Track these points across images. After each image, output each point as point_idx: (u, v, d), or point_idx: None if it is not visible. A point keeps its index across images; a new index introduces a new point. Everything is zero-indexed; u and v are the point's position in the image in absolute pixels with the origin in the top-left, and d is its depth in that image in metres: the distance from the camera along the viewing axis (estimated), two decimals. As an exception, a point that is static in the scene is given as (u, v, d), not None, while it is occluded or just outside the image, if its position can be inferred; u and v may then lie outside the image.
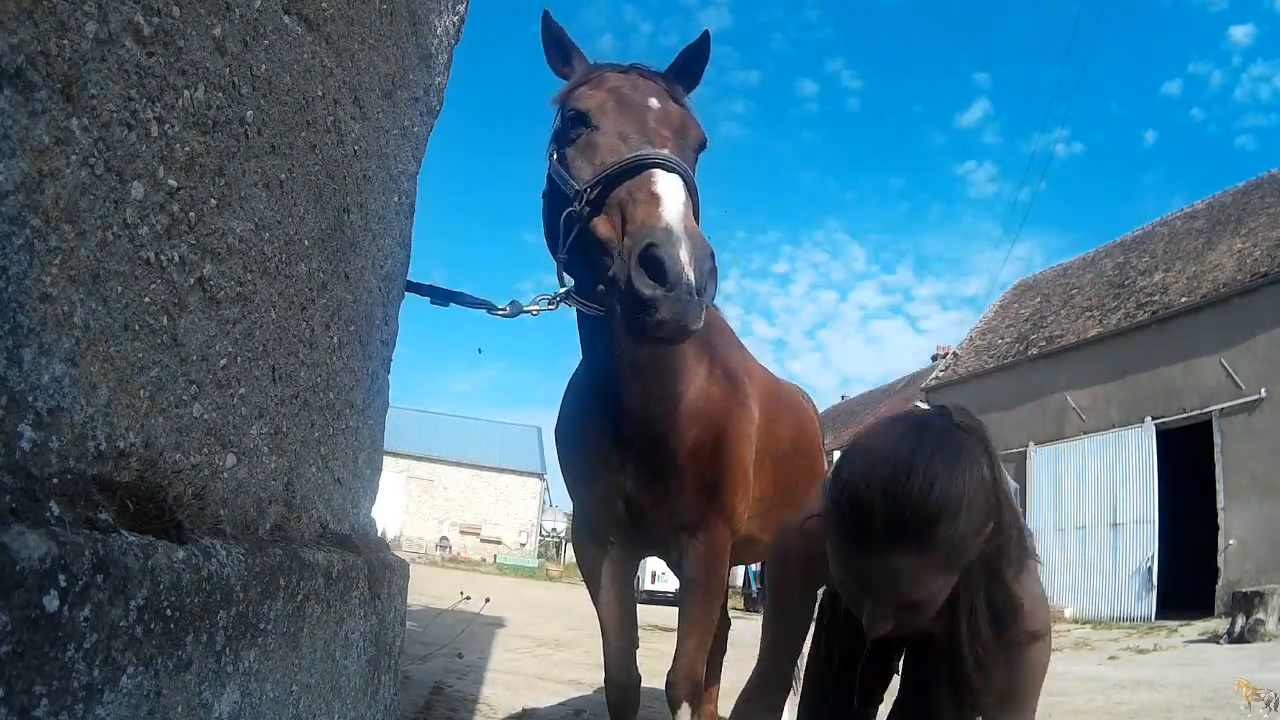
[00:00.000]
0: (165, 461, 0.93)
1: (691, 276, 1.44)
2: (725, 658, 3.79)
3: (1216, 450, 12.46)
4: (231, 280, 1.06)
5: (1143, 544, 13.39)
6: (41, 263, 0.71)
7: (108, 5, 0.77)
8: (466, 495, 36.82)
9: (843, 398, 33.63)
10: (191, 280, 0.96)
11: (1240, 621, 9.08)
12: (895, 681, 1.84)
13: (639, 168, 1.60)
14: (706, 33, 2.01)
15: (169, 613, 0.83)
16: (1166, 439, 13.50)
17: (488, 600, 7.20)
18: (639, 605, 2.87)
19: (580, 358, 2.32)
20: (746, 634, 4.21)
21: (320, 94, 1.30)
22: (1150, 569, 13.08)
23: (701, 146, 1.86)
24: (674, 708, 2.38)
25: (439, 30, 1.97)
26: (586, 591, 2.57)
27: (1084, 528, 14.39)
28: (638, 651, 2.52)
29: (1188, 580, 12.34)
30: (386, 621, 1.78)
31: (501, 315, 1.95)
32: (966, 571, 1.17)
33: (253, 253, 1.11)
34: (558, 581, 27.55)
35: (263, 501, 1.21)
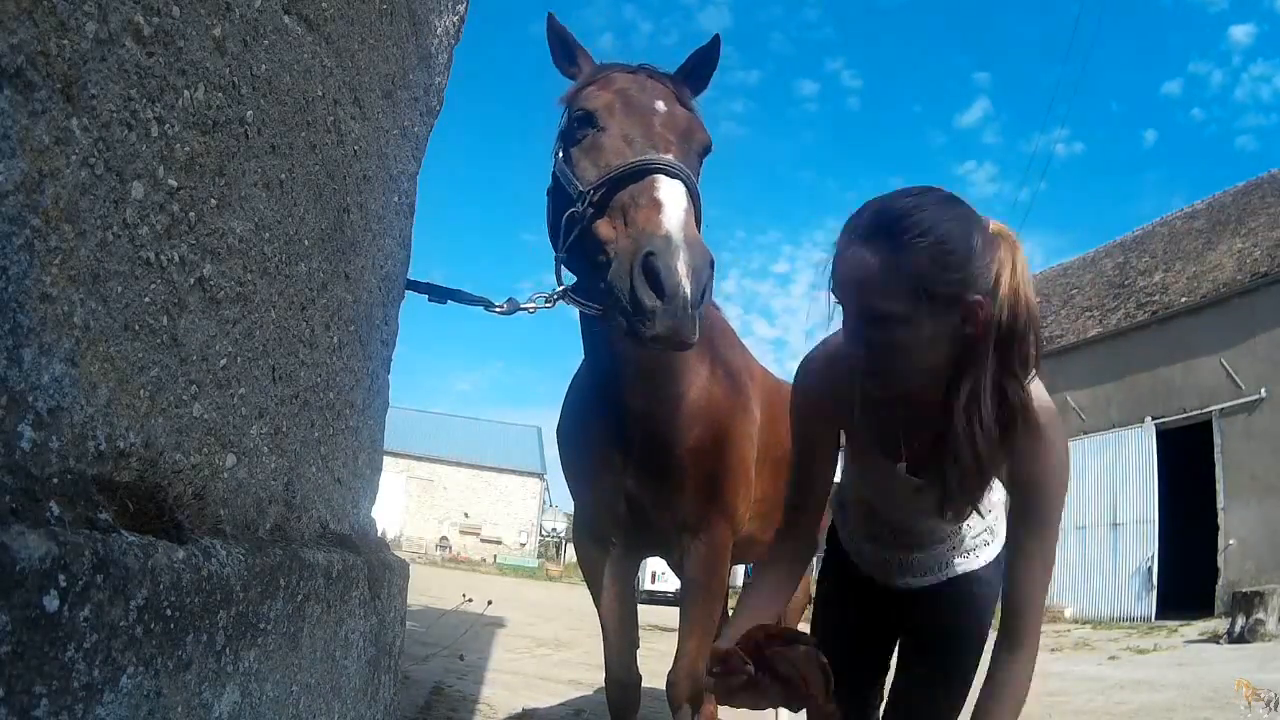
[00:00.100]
0: (165, 461, 0.93)
1: (688, 289, 1.46)
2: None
3: (1216, 450, 12.45)
4: (231, 280, 1.06)
5: (1143, 544, 13.39)
6: (41, 263, 0.71)
7: (108, 5, 0.77)
8: (466, 495, 36.82)
9: (843, 398, 33.56)
10: (191, 280, 0.96)
11: (1240, 621, 9.07)
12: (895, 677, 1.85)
13: (642, 172, 1.61)
14: (717, 36, 2.02)
15: (169, 613, 0.83)
16: (1166, 439, 13.49)
17: (490, 603, 7.20)
18: (639, 605, 2.87)
19: (582, 357, 2.33)
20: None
21: (320, 94, 1.30)
22: (1150, 569, 13.07)
23: (706, 151, 1.86)
24: (674, 708, 2.38)
25: (439, 30, 1.97)
26: (586, 591, 2.57)
27: (1084, 528, 14.38)
28: (638, 651, 2.53)
29: (1188, 580, 12.33)
30: (386, 621, 1.78)
31: (499, 312, 1.96)
32: (971, 351, 1.20)
33: (253, 253, 1.11)
34: (558, 581, 27.55)
35: (263, 501, 1.21)
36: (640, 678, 2.50)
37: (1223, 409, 12.40)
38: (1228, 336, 12.47)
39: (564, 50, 2.00)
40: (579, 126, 1.78)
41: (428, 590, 9.23)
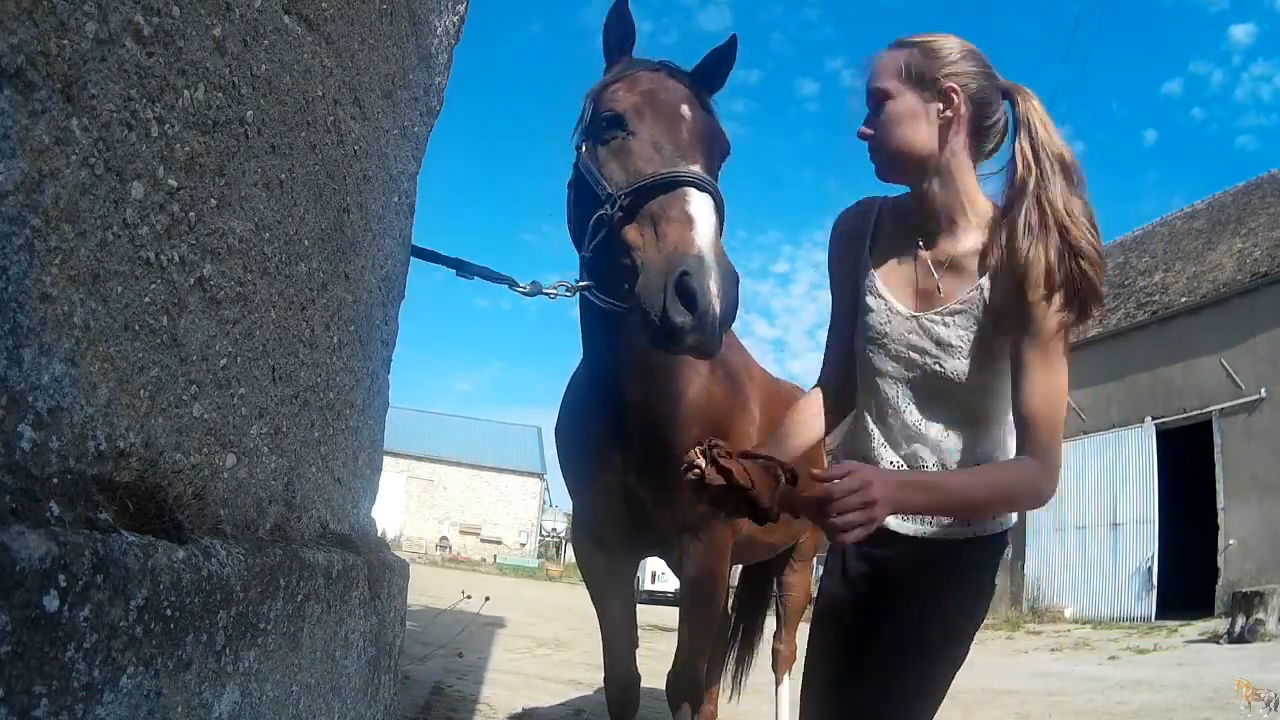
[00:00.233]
0: (165, 461, 0.93)
1: (718, 308, 1.56)
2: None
3: (1216, 450, 12.45)
4: (231, 280, 1.06)
5: (1143, 544, 13.38)
6: (41, 263, 0.71)
7: (108, 5, 0.77)
8: (466, 495, 36.82)
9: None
10: (191, 280, 0.96)
11: (1240, 621, 9.07)
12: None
13: (673, 184, 1.68)
14: (734, 37, 2.05)
15: (169, 613, 0.83)
16: (1166, 439, 13.48)
17: (487, 599, 7.20)
18: (639, 605, 2.87)
19: (581, 357, 2.33)
20: (746, 634, 4.20)
21: (320, 94, 1.30)
22: (1150, 569, 13.06)
23: (725, 155, 1.93)
24: (674, 707, 2.38)
25: (439, 30, 1.97)
26: (586, 591, 2.58)
27: (1084, 528, 14.38)
28: (638, 651, 2.53)
29: (1188, 580, 12.33)
30: (386, 621, 1.78)
31: (521, 293, 2.01)
32: (946, 131, 1.43)
33: (253, 253, 1.11)
34: (558, 581, 27.55)
35: (263, 501, 1.21)
36: (640, 677, 2.50)
37: (1223, 409, 12.40)
38: (1228, 336, 12.47)
39: (623, 41, 2.00)
40: (607, 127, 1.82)
41: (427, 590, 9.23)
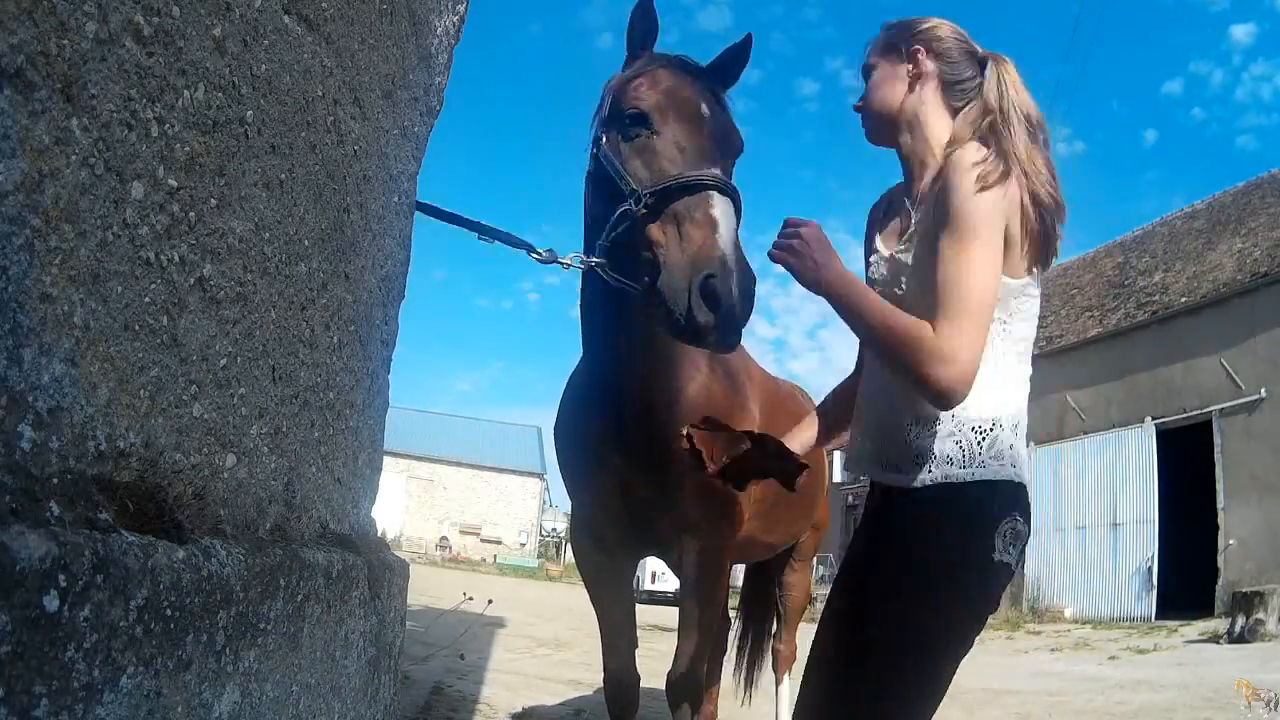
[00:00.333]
0: (165, 461, 0.93)
1: (738, 309, 1.65)
2: (725, 657, 3.79)
3: (1216, 450, 12.45)
4: (231, 280, 1.06)
5: (1143, 544, 13.39)
6: (41, 263, 0.71)
7: (108, 5, 0.77)
8: (466, 495, 36.82)
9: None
10: (191, 280, 0.96)
11: (1240, 621, 9.08)
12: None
13: (697, 187, 1.74)
14: (749, 36, 2.08)
15: (169, 613, 0.83)
16: (1166, 439, 13.49)
17: (490, 601, 7.20)
18: (639, 605, 2.87)
19: (580, 355, 2.33)
20: (746, 634, 4.20)
21: (320, 94, 1.30)
22: (1150, 569, 13.07)
23: (740, 152, 1.99)
24: (674, 708, 2.38)
25: (439, 30, 1.97)
26: (586, 592, 2.58)
27: (1084, 528, 14.39)
28: (637, 651, 2.53)
29: (1188, 580, 12.33)
30: (386, 621, 1.78)
31: (537, 259, 2.05)
32: (916, 81, 1.54)
33: (253, 253, 1.11)
34: (558, 581, 27.55)
35: (263, 501, 1.21)
36: (639, 677, 2.50)
37: (1223, 409, 12.40)
38: (1228, 336, 12.47)
39: (646, 36, 2.04)
40: (631, 124, 1.86)
41: (427, 590, 9.23)
